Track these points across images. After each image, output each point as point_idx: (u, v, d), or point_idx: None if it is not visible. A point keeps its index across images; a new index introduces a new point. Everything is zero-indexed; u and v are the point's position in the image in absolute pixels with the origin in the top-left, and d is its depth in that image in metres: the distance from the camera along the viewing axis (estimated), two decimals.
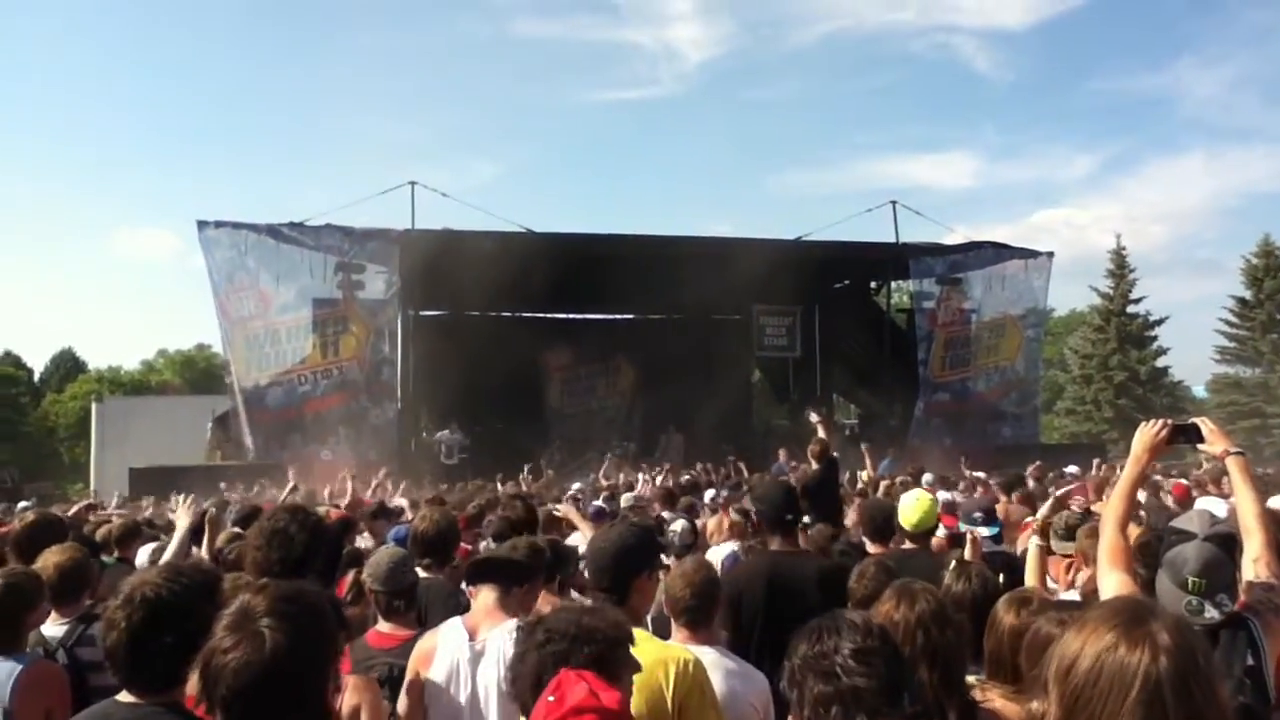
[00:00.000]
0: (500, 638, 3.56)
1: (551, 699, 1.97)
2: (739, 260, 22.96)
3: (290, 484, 9.07)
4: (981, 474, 13.54)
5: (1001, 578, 3.97)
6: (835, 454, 9.40)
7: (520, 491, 10.34)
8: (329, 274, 20.85)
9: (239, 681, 2.03)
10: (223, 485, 14.95)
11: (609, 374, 28.16)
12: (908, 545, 5.40)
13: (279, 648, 2.05)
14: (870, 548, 5.69)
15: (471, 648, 3.60)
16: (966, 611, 3.43)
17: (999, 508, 7.73)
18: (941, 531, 5.91)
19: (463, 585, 4.80)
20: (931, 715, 2.43)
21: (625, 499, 9.07)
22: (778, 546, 4.94)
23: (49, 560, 4.31)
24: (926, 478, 11.89)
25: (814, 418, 9.50)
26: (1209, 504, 5.64)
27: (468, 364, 21.29)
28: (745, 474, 14.31)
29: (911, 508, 5.44)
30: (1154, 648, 1.68)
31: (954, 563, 4.13)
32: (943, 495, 8.58)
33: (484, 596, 3.78)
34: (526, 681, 2.36)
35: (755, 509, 5.73)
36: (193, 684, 2.12)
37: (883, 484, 10.35)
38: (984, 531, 5.62)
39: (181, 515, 5.36)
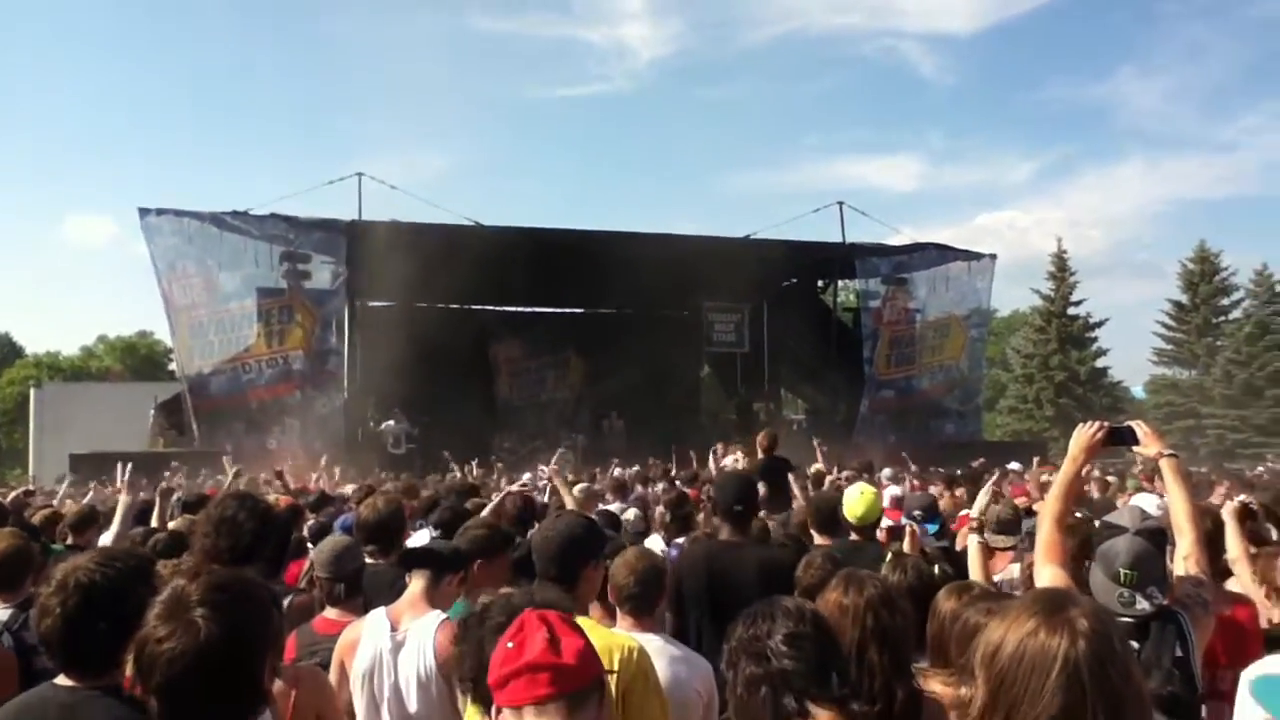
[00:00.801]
0: (421, 629, 3.59)
1: (510, 645, 1.85)
2: (689, 257, 23.05)
3: (233, 469, 8.96)
4: (936, 470, 13.72)
5: (937, 569, 4.05)
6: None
7: (466, 483, 10.26)
8: (274, 263, 20.67)
9: (173, 670, 2.01)
10: (166, 473, 14.71)
11: (558, 367, 28.13)
12: (854, 537, 5.47)
13: (212, 637, 2.04)
14: (817, 539, 5.75)
15: (393, 638, 3.62)
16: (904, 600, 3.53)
17: (942, 501, 7.87)
18: (886, 523, 6.01)
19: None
20: (861, 696, 2.49)
21: (578, 490, 9.07)
22: (726, 536, 5.00)
23: None
24: (886, 472, 11.99)
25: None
26: (1142, 500, 5.77)
27: (416, 355, 21.16)
28: (695, 465, 14.35)
29: (856, 501, 5.53)
30: (1072, 632, 1.78)
31: (890, 555, 4.21)
32: (894, 490, 8.70)
33: (413, 586, 3.80)
34: (472, 659, 2.32)
35: (710, 497, 5.80)
36: (130, 667, 2.11)
37: (828, 478, 10.44)
38: (907, 522, 5.74)
39: (123, 494, 5.30)
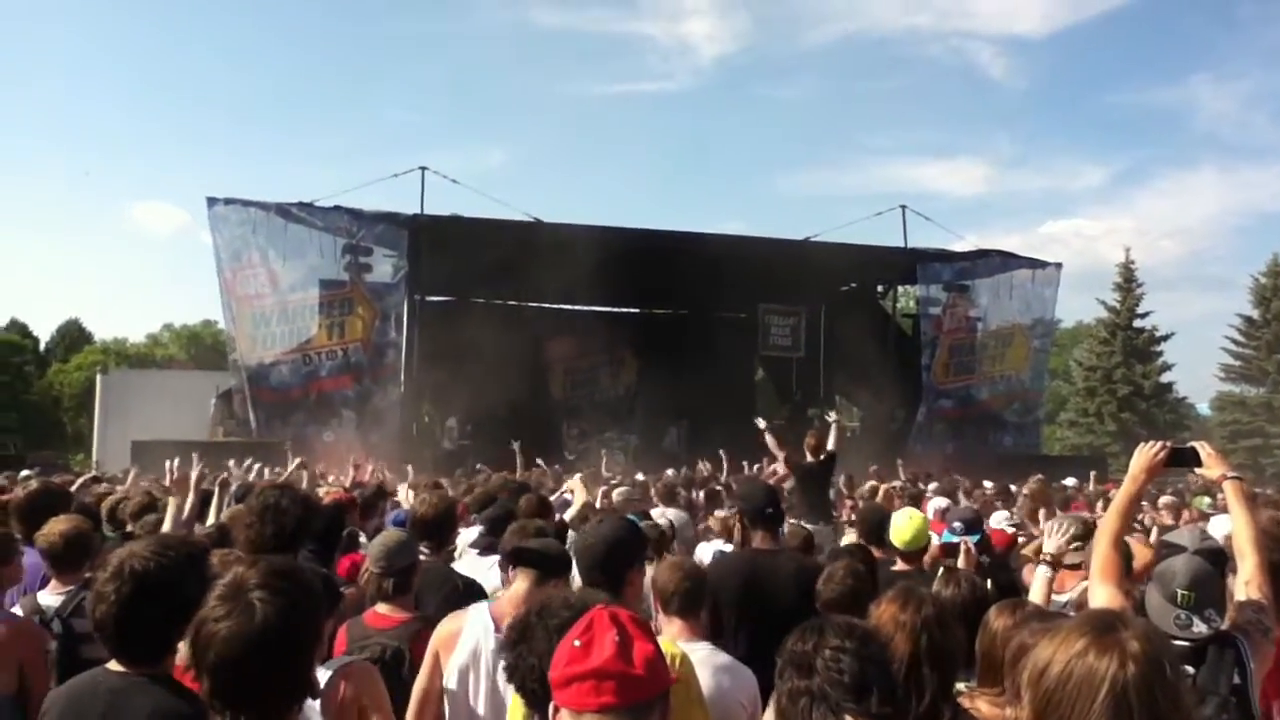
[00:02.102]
0: None
1: (577, 644, 1.78)
2: (747, 259, 22.96)
3: (295, 461, 9.08)
4: (989, 484, 13.47)
5: (989, 583, 4.00)
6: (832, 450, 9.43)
7: (517, 481, 10.29)
8: (337, 255, 20.90)
9: (228, 649, 2.06)
10: (230, 462, 14.88)
11: (612, 366, 28.19)
12: (900, 565, 5.40)
13: (268, 619, 2.09)
14: (876, 552, 5.71)
15: (496, 637, 3.52)
16: (956, 616, 3.48)
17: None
18: (936, 540, 5.93)
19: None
20: (909, 714, 2.48)
21: (619, 493, 9.08)
22: (758, 544, 4.96)
23: (54, 529, 4.37)
24: (933, 487, 11.77)
25: (831, 417, 9.59)
26: (1216, 523, 5.62)
27: (472, 350, 21.33)
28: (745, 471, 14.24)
29: (904, 527, 5.47)
30: (1122, 655, 1.74)
31: (942, 569, 4.16)
32: (940, 502, 8.58)
33: (518, 584, 3.73)
34: (528, 658, 2.32)
35: (739, 506, 5.77)
36: (183, 653, 2.15)
37: (882, 489, 10.34)
38: (959, 539, 5.64)
39: (173, 495, 5.37)
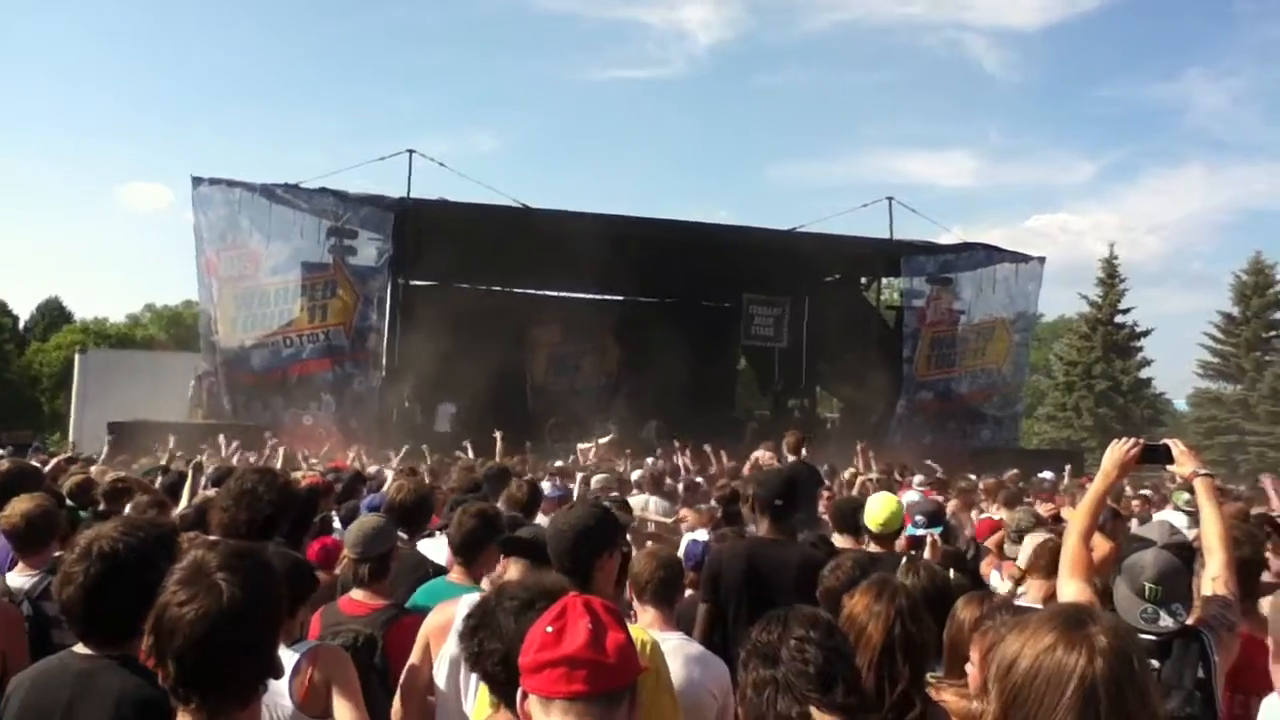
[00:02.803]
0: None
1: (550, 630, 1.76)
2: (732, 248, 22.96)
3: (272, 441, 9.05)
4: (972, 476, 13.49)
5: (951, 573, 4.04)
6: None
7: (500, 467, 10.29)
8: (321, 237, 20.76)
9: (196, 631, 2.02)
10: (220, 438, 14.75)
11: (595, 353, 28.19)
12: (873, 548, 5.42)
13: (235, 598, 2.06)
14: (838, 540, 5.74)
15: None
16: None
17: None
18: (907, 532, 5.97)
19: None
20: (880, 704, 2.50)
21: (596, 480, 9.09)
22: (764, 532, 5.00)
23: (16, 509, 4.30)
24: (918, 479, 11.79)
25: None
26: (1170, 516, 5.69)
27: (455, 335, 21.27)
28: (722, 462, 14.22)
29: (879, 509, 5.49)
30: (1090, 650, 1.73)
31: (904, 559, 4.18)
32: (911, 496, 8.60)
33: (510, 573, 3.73)
34: (490, 643, 2.30)
35: (751, 492, 5.82)
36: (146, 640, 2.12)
37: (860, 477, 10.38)
38: (922, 532, 5.67)
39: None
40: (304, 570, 3.73)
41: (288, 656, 3.14)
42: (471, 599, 3.60)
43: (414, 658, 3.62)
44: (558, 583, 2.51)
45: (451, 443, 18.66)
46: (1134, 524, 7.08)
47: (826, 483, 10.15)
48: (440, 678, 3.50)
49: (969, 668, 2.91)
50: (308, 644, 3.40)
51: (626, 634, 1.82)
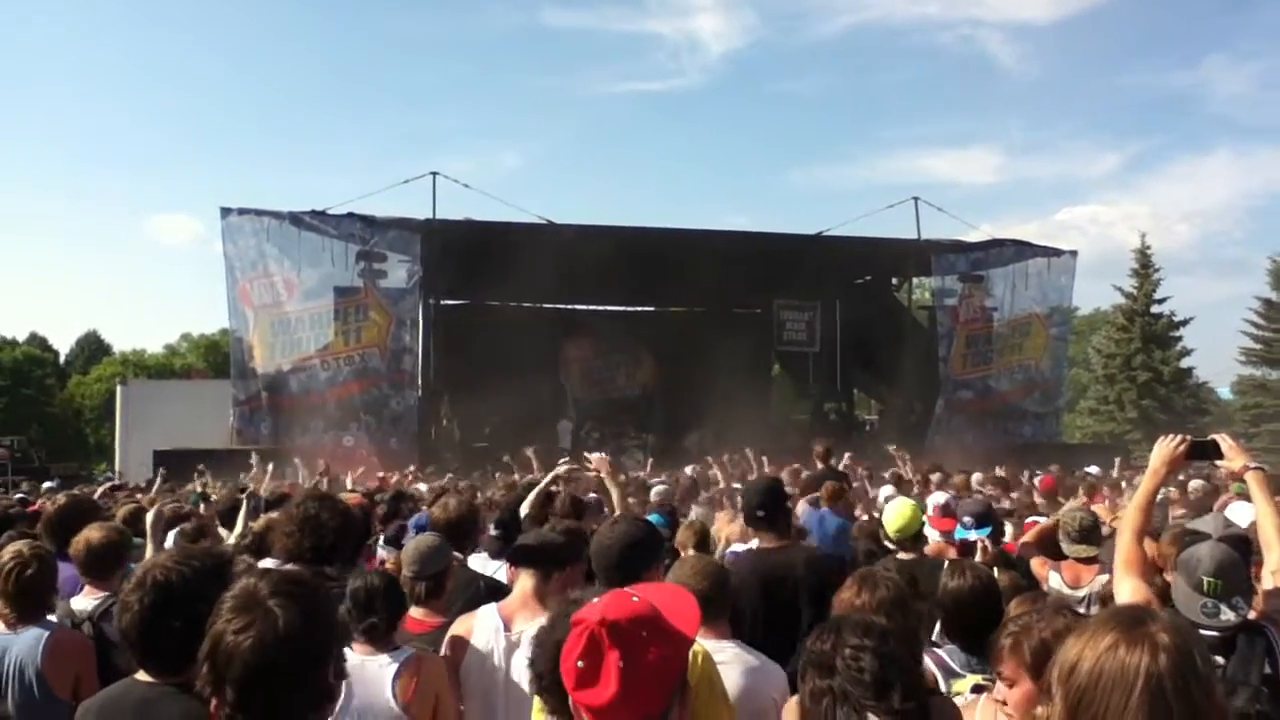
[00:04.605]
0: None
1: (581, 665, 1.66)
2: (760, 254, 22.89)
3: (321, 466, 9.13)
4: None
5: (997, 572, 3.99)
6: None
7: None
8: (350, 262, 21.01)
9: (256, 658, 2.01)
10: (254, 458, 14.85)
11: (629, 365, 28.20)
12: (902, 555, 5.30)
13: (292, 624, 2.05)
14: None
15: (507, 638, 3.54)
16: (965, 605, 3.58)
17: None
18: (932, 534, 5.87)
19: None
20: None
21: (657, 491, 9.04)
22: (762, 544, 4.91)
23: (83, 537, 4.39)
24: (976, 477, 11.44)
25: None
26: (1237, 508, 5.54)
27: (488, 353, 21.36)
28: (764, 468, 14.12)
29: (894, 516, 5.41)
30: (1153, 647, 1.70)
31: (948, 561, 4.13)
32: (940, 497, 8.49)
33: (522, 582, 3.73)
34: (546, 667, 2.29)
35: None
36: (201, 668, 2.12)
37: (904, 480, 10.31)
38: (974, 535, 5.55)
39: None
40: (398, 590, 3.80)
41: (388, 662, 3.40)
42: (490, 610, 3.67)
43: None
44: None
45: (479, 460, 18.76)
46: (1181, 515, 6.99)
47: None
48: (465, 687, 3.57)
49: (999, 684, 2.82)
50: (406, 650, 3.50)
51: (662, 645, 1.70)
